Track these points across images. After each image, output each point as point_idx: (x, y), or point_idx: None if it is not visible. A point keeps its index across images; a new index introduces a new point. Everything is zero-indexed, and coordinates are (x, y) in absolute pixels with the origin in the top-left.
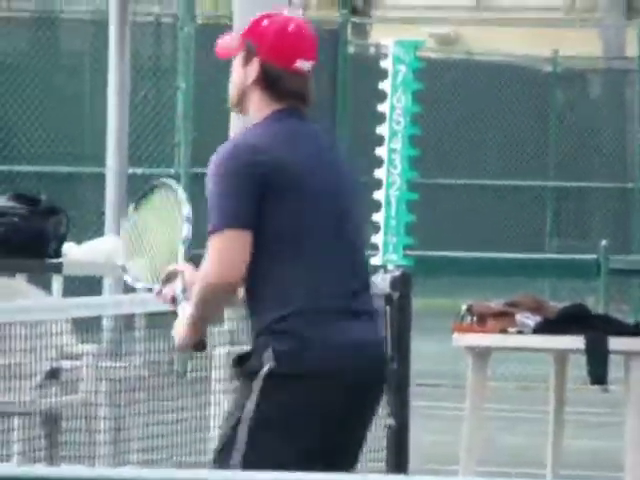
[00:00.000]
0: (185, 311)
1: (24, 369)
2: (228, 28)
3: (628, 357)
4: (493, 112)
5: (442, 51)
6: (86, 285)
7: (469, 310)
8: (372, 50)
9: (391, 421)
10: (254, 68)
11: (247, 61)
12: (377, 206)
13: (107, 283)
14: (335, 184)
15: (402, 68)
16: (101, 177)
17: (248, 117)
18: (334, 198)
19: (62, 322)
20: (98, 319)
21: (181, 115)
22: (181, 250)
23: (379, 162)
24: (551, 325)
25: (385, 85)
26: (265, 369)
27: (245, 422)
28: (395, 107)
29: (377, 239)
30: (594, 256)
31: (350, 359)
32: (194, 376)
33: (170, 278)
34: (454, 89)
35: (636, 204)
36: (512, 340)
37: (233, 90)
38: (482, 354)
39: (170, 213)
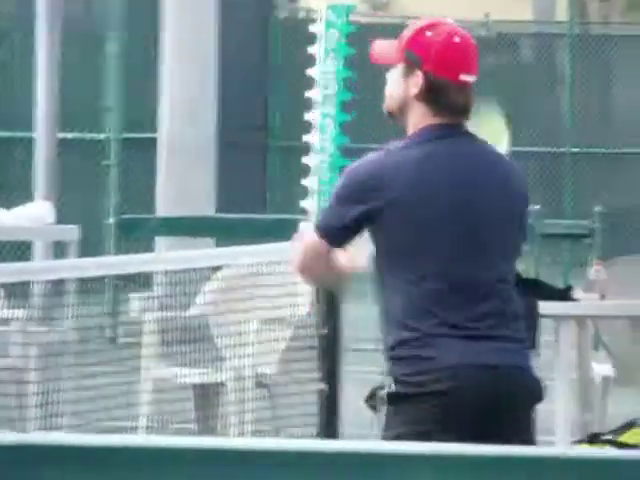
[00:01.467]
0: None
1: None
2: None
3: (558, 320)
4: None
5: (374, 15)
6: (15, 251)
7: None
8: (303, 14)
9: (322, 386)
10: (418, 80)
11: (409, 72)
12: (307, 171)
13: (37, 248)
14: (473, 205)
15: (333, 32)
16: (31, 141)
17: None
18: (466, 220)
19: None
20: (27, 284)
21: (111, 79)
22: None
23: (309, 127)
24: None
25: (315, 49)
26: (385, 394)
27: None
28: (326, 72)
29: (308, 204)
30: None
31: (467, 380)
32: (124, 342)
33: None
34: None
35: (568, 168)
36: None
37: (392, 101)
38: None
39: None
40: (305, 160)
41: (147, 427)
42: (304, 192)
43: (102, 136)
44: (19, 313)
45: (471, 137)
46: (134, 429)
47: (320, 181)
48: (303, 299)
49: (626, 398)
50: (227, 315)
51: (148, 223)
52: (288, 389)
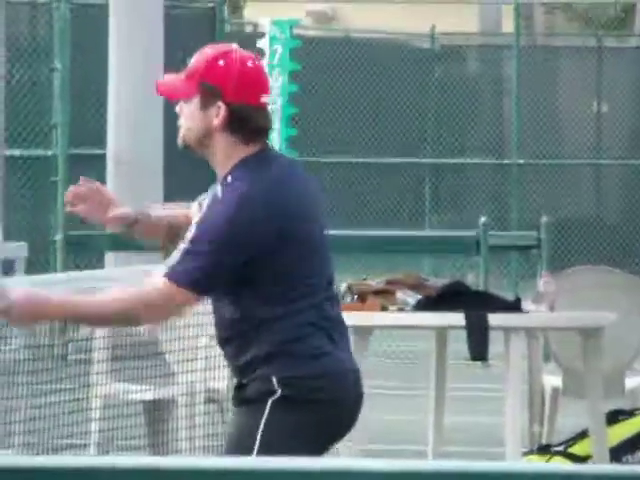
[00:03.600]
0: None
1: None
2: (103, 8)
3: (508, 332)
4: (372, 90)
5: (319, 29)
6: None
7: (349, 289)
8: (249, 29)
9: None
10: (220, 112)
11: (207, 104)
12: None
13: None
14: (317, 215)
15: (278, 48)
16: None
17: (213, 161)
18: (320, 229)
19: None
20: None
21: (58, 96)
22: None
23: None
24: (431, 302)
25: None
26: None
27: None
28: (272, 87)
29: None
30: (473, 233)
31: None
32: (75, 359)
33: None
34: (332, 67)
35: (513, 180)
36: (392, 318)
37: (190, 134)
38: (363, 332)
39: None
40: None
41: (98, 444)
42: None
43: (49, 153)
44: None
45: (286, 159)
46: (85, 446)
47: None
48: None
49: (575, 409)
50: (176, 331)
51: (96, 239)
52: None
